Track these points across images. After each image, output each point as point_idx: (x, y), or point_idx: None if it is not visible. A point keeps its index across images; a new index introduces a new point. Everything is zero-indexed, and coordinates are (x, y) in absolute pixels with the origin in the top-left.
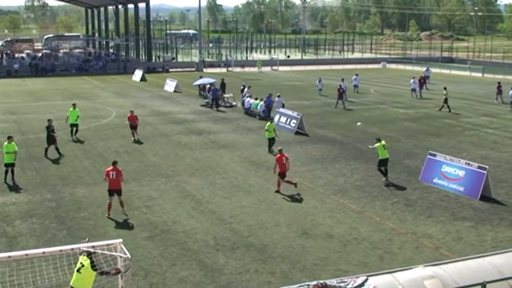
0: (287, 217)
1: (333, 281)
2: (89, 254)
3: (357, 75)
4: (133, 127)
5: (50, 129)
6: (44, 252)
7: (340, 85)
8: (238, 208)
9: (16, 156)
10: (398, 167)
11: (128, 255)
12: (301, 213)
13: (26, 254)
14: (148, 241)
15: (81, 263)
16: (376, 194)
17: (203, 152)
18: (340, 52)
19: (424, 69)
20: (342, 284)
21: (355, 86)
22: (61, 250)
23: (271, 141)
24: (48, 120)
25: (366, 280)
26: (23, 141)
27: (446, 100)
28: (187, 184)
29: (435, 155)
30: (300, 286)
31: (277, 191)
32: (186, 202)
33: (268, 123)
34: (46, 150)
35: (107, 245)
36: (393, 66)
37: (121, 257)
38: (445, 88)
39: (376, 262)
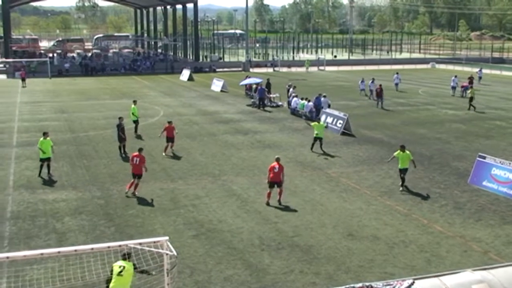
0: (333, 218)
1: (379, 284)
2: (125, 257)
3: (397, 73)
4: (170, 139)
5: (120, 127)
6: (92, 248)
7: (380, 85)
8: (284, 208)
9: (53, 150)
10: (447, 170)
11: (174, 253)
12: (347, 214)
13: (75, 250)
14: (194, 240)
15: (121, 266)
16: (424, 196)
17: (249, 151)
18: (388, 52)
19: (477, 69)
20: (388, 287)
21: (396, 84)
22: (109, 247)
23: (319, 140)
24: (119, 118)
25: (412, 283)
26: (73, 139)
27: (471, 99)
28: (233, 184)
29: (484, 158)
30: None
31: (267, 203)
32: (232, 202)
33: (315, 122)
34: (120, 148)
35: (154, 242)
36: (442, 66)
37: (167, 254)
38: (471, 87)
39: (423, 265)
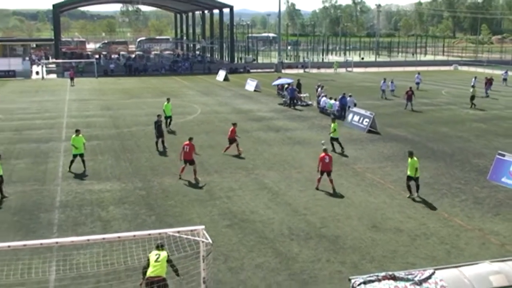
0: (358, 211)
1: (401, 273)
2: (159, 247)
3: (419, 73)
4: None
5: (158, 124)
6: (134, 236)
7: (410, 88)
8: (312, 201)
9: (85, 147)
10: (467, 166)
11: (210, 241)
12: (371, 207)
13: (119, 237)
14: (228, 229)
15: (156, 254)
16: (445, 191)
17: (280, 147)
18: (413, 55)
19: (503, 72)
20: (410, 276)
21: (417, 83)
22: (149, 234)
23: (336, 140)
24: (158, 115)
25: (433, 273)
26: (117, 134)
27: (473, 98)
28: (265, 177)
29: (504, 155)
30: (370, 276)
31: (317, 188)
32: (264, 194)
33: (333, 123)
34: (157, 143)
35: (191, 230)
36: (464, 68)
37: (203, 242)
38: (473, 86)
39: (443, 256)
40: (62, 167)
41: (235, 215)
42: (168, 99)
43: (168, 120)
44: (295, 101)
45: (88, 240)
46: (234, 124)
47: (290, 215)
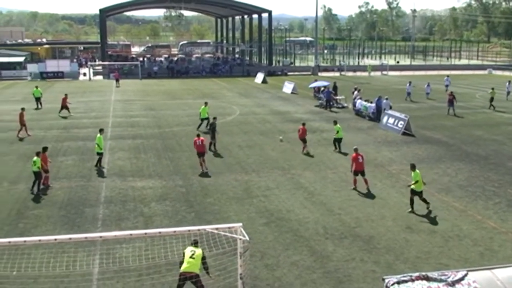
0: (392, 212)
1: (434, 274)
2: (195, 244)
3: (448, 76)
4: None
5: (213, 127)
6: (175, 231)
7: (452, 92)
8: (347, 201)
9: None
10: (501, 169)
11: (247, 238)
12: (405, 208)
13: (160, 232)
14: (265, 227)
15: (192, 251)
16: (479, 194)
17: (316, 148)
18: (447, 59)
19: None
20: (443, 277)
21: (446, 86)
22: (189, 230)
23: (339, 141)
24: (214, 118)
25: (466, 275)
26: (159, 134)
27: (492, 99)
28: (301, 177)
29: None
30: (403, 276)
31: (354, 188)
32: (300, 194)
33: (335, 126)
34: (210, 144)
35: (229, 228)
36: (498, 72)
37: (240, 239)
38: (492, 89)
39: (476, 258)
40: (108, 164)
41: (272, 214)
42: (205, 103)
43: (205, 122)
44: (331, 103)
45: (131, 234)
46: (304, 124)
47: (325, 215)
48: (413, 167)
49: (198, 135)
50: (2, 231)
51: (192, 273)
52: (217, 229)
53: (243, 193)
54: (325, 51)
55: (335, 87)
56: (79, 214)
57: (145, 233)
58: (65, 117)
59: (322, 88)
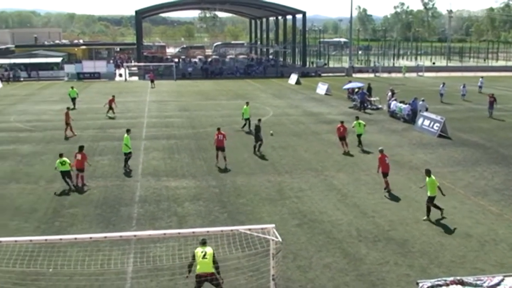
0: None
1: (469, 279)
2: (204, 243)
3: (482, 77)
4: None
5: (259, 129)
6: (208, 231)
7: (492, 94)
8: (381, 203)
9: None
10: None
11: (280, 239)
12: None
13: (193, 232)
14: (298, 228)
15: (202, 251)
16: None
17: (349, 150)
18: (484, 60)
19: None
20: (478, 282)
21: (480, 87)
22: (222, 231)
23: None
24: (259, 120)
25: (502, 280)
26: (193, 134)
27: None
28: (334, 179)
29: None
30: (438, 280)
31: (388, 190)
32: (333, 195)
33: (356, 121)
34: (255, 146)
35: (262, 228)
36: None
37: (273, 240)
38: None
39: None
40: (142, 164)
41: (305, 215)
42: (247, 103)
43: (247, 122)
44: (365, 104)
45: (165, 234)
46: (342, 122)
47: (358, 217)
48: (428, 173)
49: (219, 129)
50: (39, 229)
51: (208, 273)
52: (249, 229)
53: (276, 194)
54: (360, 52)
55: (369, 89)
56: (114, 213)
57: (179, 233)
58: (112, 118)
59: (356, 90)
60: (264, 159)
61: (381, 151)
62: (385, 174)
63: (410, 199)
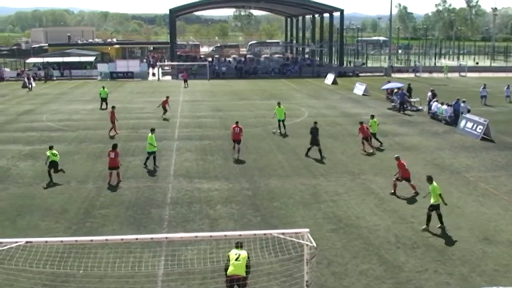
0: (469, 222)
1: None
2: (238, 246)
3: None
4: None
5: (315, 131)
6: (240, 235)
7: None
8: (420, 208)
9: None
10: None
11: (314, 244)
12: (483, 218)
13: (225, 235)
14: (333, 233)
15: (236, 254)
16: None
17: (388, 153)
18: None
19: None
20: None
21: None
22: (255, 234)
23: (373, 135)
24: (315, 122)
25: None
26: (227, 135)
27: None
28: (372, 183)
29: None
30: None
31: (415, 193)
32: (370, 200)
33: (372, 120)
34: (309, 149)
35: (295, 233)
36: None
37: (307, 245)
38: None
39: None
40: (174, 165)
41: (340, 220)
42: (279, 103)
43: (282, 124)
44: (405, 105)
45: (196, 236)
46: (362, 122)
47: (396, 223)
48: (429, 180)
49: (237, 122)
50: (70, 230)
51: (239, 275)
52: (283, 234)
53: (310, 197)
54: (399, 51)
55: (409, 89)
56: (145, 215)
57: (211, 236)
58: (166, 119)
59: (396, 90)
60: (299, 161)
61: (397, 158)
62: (407, 179)
63: (451, 204)
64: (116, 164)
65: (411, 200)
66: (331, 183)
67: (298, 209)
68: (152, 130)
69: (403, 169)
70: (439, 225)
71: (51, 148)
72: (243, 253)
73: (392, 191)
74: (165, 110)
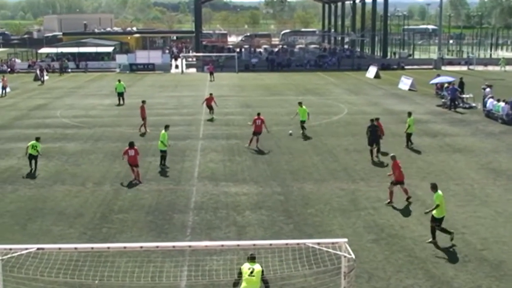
0: None
1: None
2: (253, 259)
3: None
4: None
5: (371, 129)
6: (271, 244)
7: None
8: (472, 218)
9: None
10: None
11: (353, 256)
12: None
13: (254, 244)
14: (374, 244)
15: (249, 268)
16: None
17: (436, 155)
18: None
19: None
20: None
21: None
22: (287, 244)
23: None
24: (372, 120)
25: None
26: None
27: None
28: (417, 189)
29: None
30: None
31: (408, 198)
32: (416, 207)
33: (409, 118)
34: (371, 151)
35: (332, 243)
36: None
37: (345, 257)
38: None
39: None
40: (199, 167)
41: (382, 229)
42: (300, 103)
43: (303, 125)
44: (456, 102)
45: (222, 245)
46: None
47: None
48: (434, 188)
49: (259, 114)
50: (85, 236)
51: None
52: (318, 244)
53: (349, 204)
54: (451, 42)
55: (461, 84)
56: (167, 220)
57: (238, 245)
58: (211, 120)
59: (446, 85)
60: (336, 164)
61: (393, 158)
62: (400, 183)
63: (508, 214)
64: (136, 161)
65: (463, 209)
66: (372, 188)
67: (335, 216)
68: (166, 127)
69: (398, 171)
70: (450, 236)
71: (37, 139)
72: (257, 267)
73: (388, 200)
74: (211, 109)
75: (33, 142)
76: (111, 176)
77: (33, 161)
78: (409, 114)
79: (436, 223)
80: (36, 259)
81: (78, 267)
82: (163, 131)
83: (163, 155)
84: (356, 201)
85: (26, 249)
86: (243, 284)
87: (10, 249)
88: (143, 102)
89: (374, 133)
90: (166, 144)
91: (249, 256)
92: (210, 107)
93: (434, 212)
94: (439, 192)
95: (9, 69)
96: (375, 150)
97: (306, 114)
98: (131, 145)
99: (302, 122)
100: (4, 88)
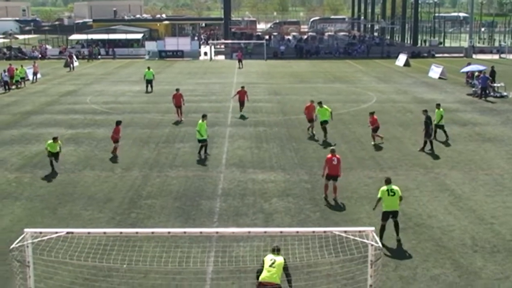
0: None
1: None
2: (279, 251)
3: None
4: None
5: (430, 121)
6: (297, 232)
7: None
8: (502, 208)
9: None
10: None
11: (380, 244)
12: None
13: (281, 232)
14: (401, 233)
15: (272, 259)
16: None
17: (466, 144)
18: None
19: None
20: None
21: None
22: (313, 232)
23: (441, 128)
24: (424, 111)
25: None
26: (284, 121)
27: None
28: (447, 178)
29: None
30: None
31: (334, 197)
32: (444, 197)
33: (438, 110)
34: (425, 143)
35: (359, 231)
36: None
37: (372, 245)
38: None
39: None
40: (226, 154)
41: (410, 218)
42: (320, 103)
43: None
44: (487, 91)
45: (249, 232)
46: (311, 101)
47: (474, 223)
48: (387, 182)
49: (312, 101)
50: (114, 221)
51: (273, 283)
52: (345, 232)
53: (376, 192)
54: (482, 29)
55: (493, 72)
56: (194, 206)
57: (265, 232)
58: (242, 117)
59: (477, 74)
60: (364, 152)
61: (332, 151)
62: (329, 177)
63: None
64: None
65: (492, 198)
66: (400, 177)
67: (363, 204)
68: (204, 116)
69: (329, 164)
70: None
71: (55, 140)
72: (279, 259)
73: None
74: (242, 105)
75: (50, 141)
76: (140, 162)
77: (53, 159)
78: (438, 105)
79: (388, 218)
80: (66, 243)
81: (106, 251)
82: (200, 121)
83: (203, 144)
84: None
85: (56, 232)
86: (264, 273)
87: (40, 232)
88: (177, 90)
89: (429, 125)
90: (203, 134)
91: (273, 247)
92: (241, 103)
93: (385, 206)
94: (384, 187)
95: (40, 56)
96: (429, 141)
97: (329, 113)
98: (117, 123)
99: (324, 122)
100: (35, 74)
